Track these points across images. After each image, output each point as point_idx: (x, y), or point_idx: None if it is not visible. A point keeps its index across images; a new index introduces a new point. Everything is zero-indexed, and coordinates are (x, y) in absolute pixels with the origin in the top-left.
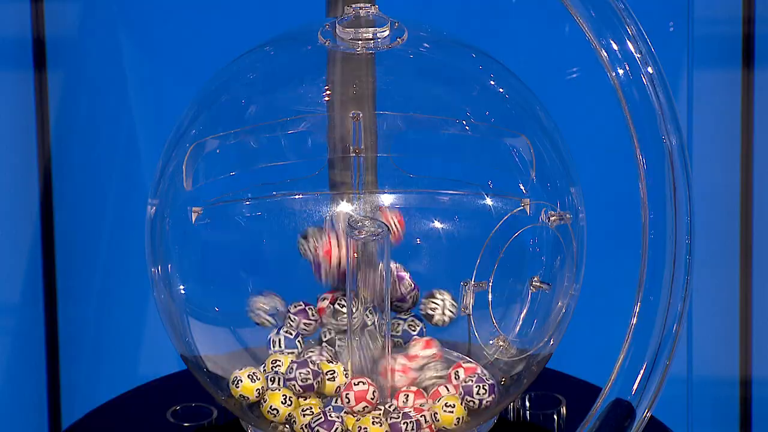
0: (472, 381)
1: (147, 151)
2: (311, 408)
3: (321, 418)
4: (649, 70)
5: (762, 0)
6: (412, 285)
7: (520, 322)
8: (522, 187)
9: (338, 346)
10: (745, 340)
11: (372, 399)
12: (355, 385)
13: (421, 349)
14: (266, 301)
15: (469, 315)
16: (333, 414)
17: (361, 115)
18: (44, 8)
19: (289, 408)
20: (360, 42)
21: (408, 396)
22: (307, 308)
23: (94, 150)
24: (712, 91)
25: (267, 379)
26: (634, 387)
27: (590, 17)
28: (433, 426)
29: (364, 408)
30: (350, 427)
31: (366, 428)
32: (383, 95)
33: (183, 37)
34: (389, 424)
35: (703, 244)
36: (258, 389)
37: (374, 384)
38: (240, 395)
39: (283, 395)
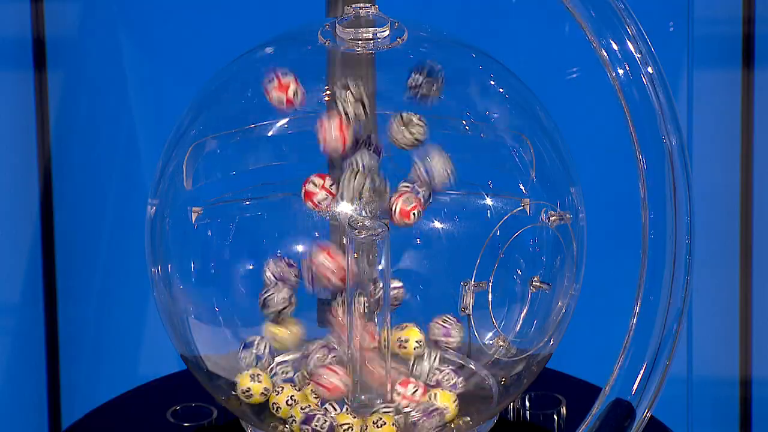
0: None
1: (147, 151)
2: (309, 406)
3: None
4: (649, 70)
5: (762, 0)
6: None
7: (520, 322)
8: (522, 187)
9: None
10: (745, 340)
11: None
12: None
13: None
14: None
15: (469, 315)
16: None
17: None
18: (44, 8)
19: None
20: (360, 42)
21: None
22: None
23: (94, 150)
24: (712, 91)
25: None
26: (634, 387)
27: (590, 17)
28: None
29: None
30: (366, 423)
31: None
32: (383, 95)
33: (183, 37)
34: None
35: (703, 244)
36: (264, 390)
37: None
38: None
39: (288, 395)
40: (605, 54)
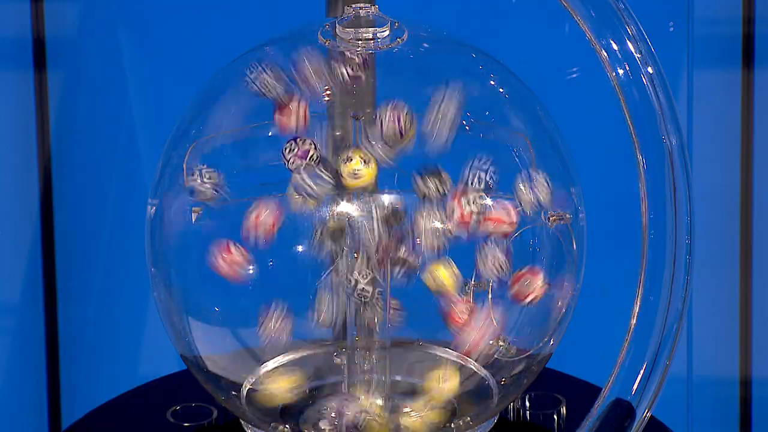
0: None
1: (147, 151)
2: None
3: None
4: (649, 70)
5: (762, 0)
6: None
7: (520, 322)
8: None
9: None
10: (745, 340)
11: None
12: None
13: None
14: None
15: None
16: None
17: (361, 114)
18: (44, 8)
19: None
20: (360, 42)
21: None
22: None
23: (94, 150)
24: (712, 91)
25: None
26: (634, 387)
27: (590, 17)
28: None
29: None
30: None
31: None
32: (383, 95)
33: (183, 37)
34: None
35: (703, 244)
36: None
37: None
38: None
39: None
40: (605, 54)
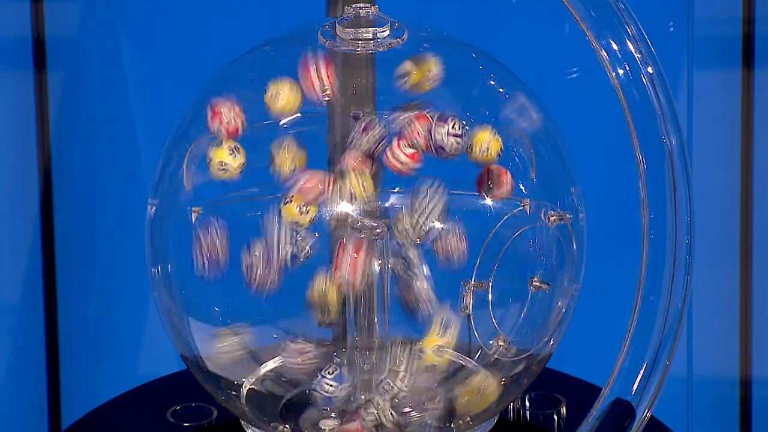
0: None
1: (147, 151)
2: None
3: None
4: (649, 70)
5: (762, 0)
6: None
7: (520, 322)
8: (522, 187)
9: None
10: (745, 340)
11: None
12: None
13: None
14: None
15: (469, 315)
16: None
17: (361, 114)
18: (44, 8)
19: None
20: (360, 42)
21: None
22: None
23: (94, 150)
24: (712, 91)
25: None
26: (634, 387)
27: (590, 17)
28: None
29: None
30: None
31: None
32: (383, 95)
33: (183, 37)
34: None
35: (703, 244)
36: None
37: None
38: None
39: None
40: (605, 54)
